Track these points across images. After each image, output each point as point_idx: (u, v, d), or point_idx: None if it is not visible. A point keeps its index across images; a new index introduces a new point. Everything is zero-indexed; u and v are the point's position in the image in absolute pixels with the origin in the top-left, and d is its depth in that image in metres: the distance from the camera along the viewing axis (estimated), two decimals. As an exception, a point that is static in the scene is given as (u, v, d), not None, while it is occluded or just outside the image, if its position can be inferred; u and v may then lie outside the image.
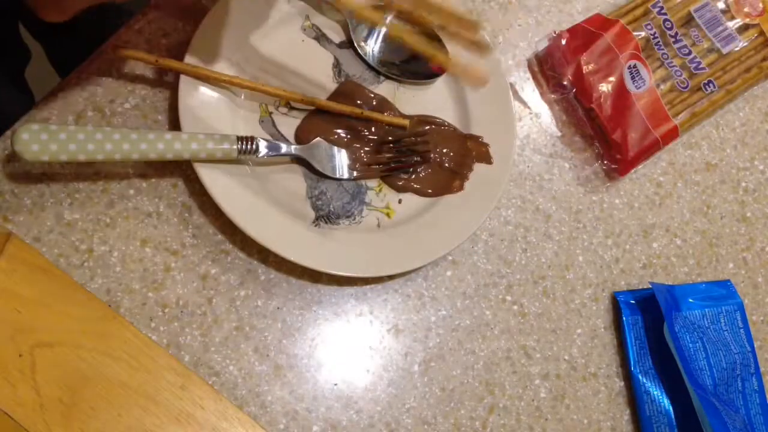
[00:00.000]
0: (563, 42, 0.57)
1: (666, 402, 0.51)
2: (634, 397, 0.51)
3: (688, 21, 0.60)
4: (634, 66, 0.56)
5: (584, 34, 0.57)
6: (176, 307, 0.46)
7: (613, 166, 0.57)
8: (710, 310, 0.54)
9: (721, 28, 0.60)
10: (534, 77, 0.59)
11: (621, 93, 0.56)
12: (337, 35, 0.54)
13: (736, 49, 0.60)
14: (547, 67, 0.59)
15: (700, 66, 0.58)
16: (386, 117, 0.52)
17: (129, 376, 0.43)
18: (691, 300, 0.53)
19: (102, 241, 0.46)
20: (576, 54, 0.56)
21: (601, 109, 0.55)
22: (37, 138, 0.41)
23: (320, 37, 0.54)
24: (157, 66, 0.47)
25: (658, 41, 0.58)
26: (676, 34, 0.59)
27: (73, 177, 0.46)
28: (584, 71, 0.56)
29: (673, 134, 0.57)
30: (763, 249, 0.59)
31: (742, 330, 0.54)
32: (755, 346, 0.54)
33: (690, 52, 0.59)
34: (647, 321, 0.53)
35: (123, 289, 0.45)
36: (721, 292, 0.55)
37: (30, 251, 0.44)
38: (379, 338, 0.49)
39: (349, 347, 0.48)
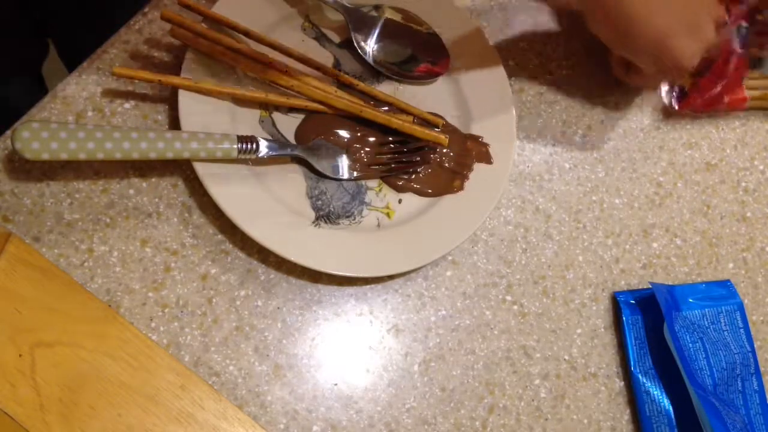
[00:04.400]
0: None
1: (666, 402, 0.51)
2: (634, 397, 0.51)
3: None
4: (745, 27, 0.57)
5: None
6: (176, 307, 0.46)
7: (674, 102, 0.59)
8: (710, 310, 0.54)
9: None
10: None
11: (724, 46, 0.57)
12: (337, 35, 0.54)
13: None
14: None
15: None
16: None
17: (129, 376, 0.43)
18: (691, 300, 0.53)
19: (102, 241, 0.46)
20: None
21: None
22: (38, 136, 0.41)
23: (320, 37, 0.54)
24: (160, 84, 0.47)
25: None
26: None
27: (73, 177, 0.46)
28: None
29: (739, 103, 0.58)
30: (763, 249, 0.59)
31: (742, 330, 0.54)
32: (755, 346, 0.54)
33: None
34: (647, 321, 0.53)
35: (123, 289, 0.45)
36: (721, 292, 0.55)
37: (30, 251, 0.44)
38: (379, 338, 0.49)
39: (349, 347, 0.48)
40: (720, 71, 0.57)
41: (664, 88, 0.61)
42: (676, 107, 0.60)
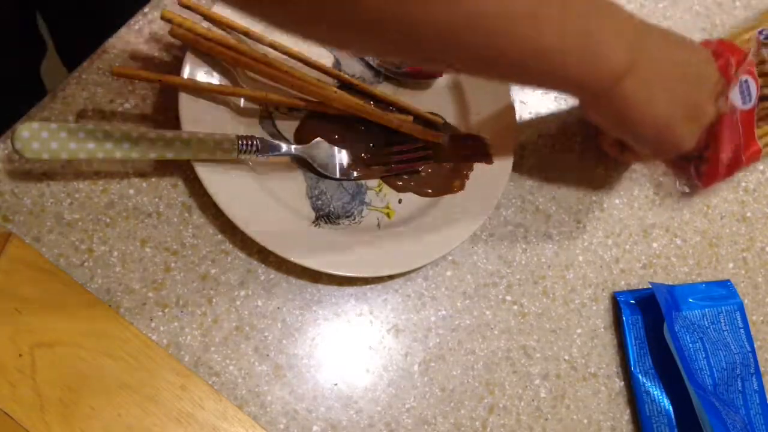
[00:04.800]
0: None
1: (666, 402, 0.51)
2: (634, 397, 0.51)
3: None
4: (746, 82, 0.55)
5: None
6: (176, 307, 0.46)
7: (695, 181, 0.56)
8: (710, 310, 0.54)
9: None
10: None
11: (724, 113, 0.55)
12: (337, 35, 0.54)
13: None
14: None
15: None
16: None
17: (129, 376, 0.43)
18: (691, 300, 0.53)
19: (102, 241, 0.46)
20: None
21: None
22: (38, 136, 0.41)
23: (320, 37, 0.54)
24: (160, 84, 0.47)
25: None
26: None
27: (73, 177, 0.46)
28: None
29: (755, 156, 0.56)
30: (763, 249, 0.59)
31: (742, 330, 0.54)
32: (755, 346, 0.54)
33: None
34: (647, 321, 0.53)
35: (123, 289, 0.45)
36: (721, 292, 0.55)
37: (30, 251, 0.44)
38: (379, 338, 0.49)
39: (349, 347, 0.48)
40: (729, 136, 0.55)
41: (679, 179, 0.58)
42: (701, 186, 0.57)
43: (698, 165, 0.56)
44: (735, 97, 0.55)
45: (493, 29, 0.34)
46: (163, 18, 0.46)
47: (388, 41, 0.34)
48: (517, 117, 0.56)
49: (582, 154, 0.58)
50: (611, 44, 0.39)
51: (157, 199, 0.47)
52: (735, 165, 0.56)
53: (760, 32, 0.57)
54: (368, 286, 0.49)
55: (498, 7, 0.34)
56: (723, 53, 0.54)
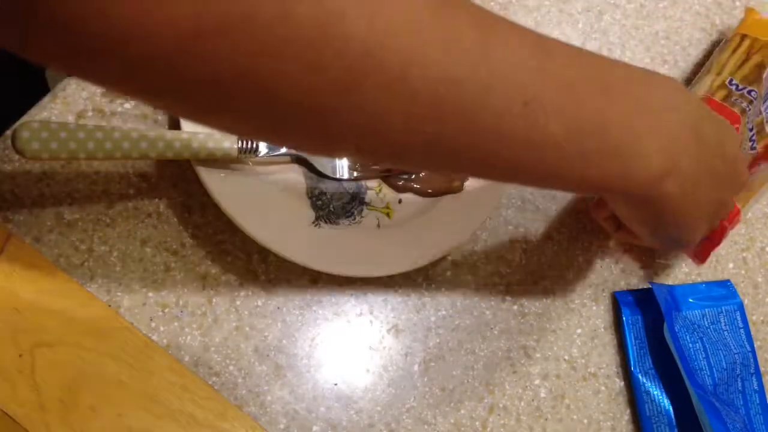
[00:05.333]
0: None
1: (666, 402, 0.51)
2: (634, 397, 0.51)
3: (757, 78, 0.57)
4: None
5: None
6: (176, 307, 0.46)
7: (690, 258, 0.54)
8: (710, 310, 0.54)
9: None
10: None
11: None
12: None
13: None
14: None
15: (754, 144, 0.55)
16: None
17: (129, 376, 0.43)
18: (691, 300, 0.53)
19: (102, 241, 0.46)
20: None
21: None
22: (38, 136, 0.41)
23: (320, 37, 0.54)
24: None
25: (749, 119, 0.54)
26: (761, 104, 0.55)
27: (73, 177, 0.46)
28: None
29: (736, 215, 0.51)
30: (763, 249, 0.59)
31: (742, 330, 0.54)
32: (755, 346, 0.54)
33: (753, 127, 0.55)
34: (647, 321, 0.53)
35: (123, 289, 0.45)
36: (721, 292, 0.55)
37: (30, 251, 0.44)
38: (379, 338, 0.49)
39: (349, 347, 0.48)
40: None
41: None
42: (701, 262, 0.53)
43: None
44: None
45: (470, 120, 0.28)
46: None
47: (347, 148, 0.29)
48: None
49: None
50: (643, 141, 0.33)
51: (157, 199, 0.47)
52: (721, 234, 0.51)
53: (730, 82, 0.56)
54: (368, 286, 0.49)
55: (478, 95, 0.27)
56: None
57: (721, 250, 0.58)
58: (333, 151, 0.35)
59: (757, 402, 0.52)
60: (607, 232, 0.51)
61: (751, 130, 0.55)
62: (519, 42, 0.29)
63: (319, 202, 0.49)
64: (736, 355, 0.52)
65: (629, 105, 0.33)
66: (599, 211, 0.50)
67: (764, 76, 0.56)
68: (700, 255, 0.53)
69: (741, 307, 0.54)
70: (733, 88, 0.55)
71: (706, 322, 0.53)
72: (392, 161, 0.35)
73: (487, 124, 0.28)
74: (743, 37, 0.58)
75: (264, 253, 0.48)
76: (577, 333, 0.53)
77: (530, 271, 0.53)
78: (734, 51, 0.58)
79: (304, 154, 0.49)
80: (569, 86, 0.31)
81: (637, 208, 0.38)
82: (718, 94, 0.55)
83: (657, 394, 0.51)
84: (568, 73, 0.31)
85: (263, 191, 0.47)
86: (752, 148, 0.54)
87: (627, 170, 0.33)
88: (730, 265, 0.58)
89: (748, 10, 0.61)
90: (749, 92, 0.55)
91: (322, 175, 0.50)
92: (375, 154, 0.31)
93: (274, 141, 0.38)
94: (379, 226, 0.50)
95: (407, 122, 0.27)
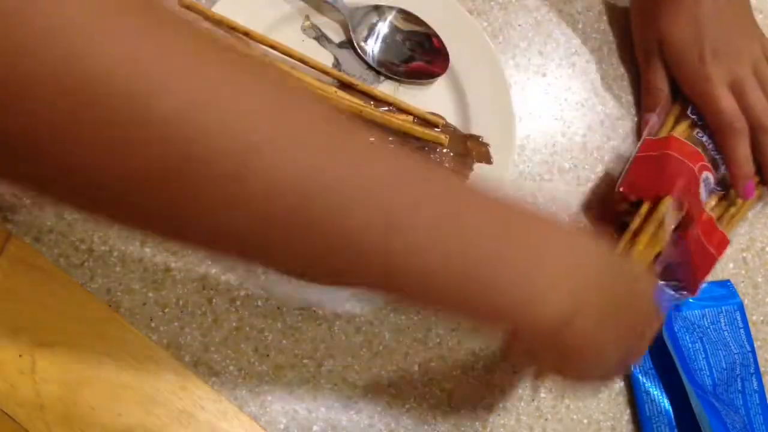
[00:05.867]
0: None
1: (666, 402, 0.51)
2: (634, 397, 0.51)
3: None
4: (706, 179, 0.52)
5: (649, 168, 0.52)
6: (176, 307, 0.46)
7: (682, 290, 0.53)
8: (710, 310, 0.54)
9: None
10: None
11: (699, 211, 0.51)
12: (337, 35, 0.54)
13: None
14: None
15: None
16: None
17: (129, 376, 0.43)
18: (690, 300, 0.53)
19: (102, 241, 0.46)
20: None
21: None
22: (37, 138, 0.41)
23: (320, 37, 0.54)
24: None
25: (715, 149, 0.54)
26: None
27: (73, 177, 0.46)
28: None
29: (723, 243, 0.52)
30: (763, 249, 0.59)
31: (742, 330, 0.54)
32: (755, 346, 0.54)
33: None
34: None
35: (123, 289, 0.45)
36: (721, 291, 0.54)
37: (30, 251, 0.44)
38: (379, 338, 0.49)
39: (349, 347, 0.48)
40: (697, 249, 0.51)
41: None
42: (693, 294, 0.52)
43: (678, 287, 0.53)
44: (703, 195, 0.52)
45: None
46: None
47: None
48: (517, 117, 0.56)
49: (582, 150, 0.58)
50: (543, 281, 0.30)
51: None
52: (710, 264, 0.52)
53: (692, 111, 0.55)
54: (368, 286, 0.49)
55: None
56: (681, 169, 0.51)
57: (721, 250, 0.58)
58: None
59: (757, 402, 0.52)
60: (514, 358, 0.49)
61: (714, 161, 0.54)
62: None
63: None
64: (735, 355, 0.52)
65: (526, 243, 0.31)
66: (513, 351, 0.43)
67: None
68: (692, 287, 0.52)
69: (741, 307, 0.54)
70: (695, 117, 0.55)
71: (705, 322, 0.53)
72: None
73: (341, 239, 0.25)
74: None
75: (264, 253, 0.48)
76: (577, 333, 0.53)
77: (530, 271, 0.53)
78: None
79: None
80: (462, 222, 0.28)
81: (548, 350, 0.34)
82: (679, 128, 0.55)
83: (657, 394, 0.51)
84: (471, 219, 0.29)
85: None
86: (716, 183, 0.54)
87: (523, 309, 0.30)
88: (730, 265, 0.58)
89: None
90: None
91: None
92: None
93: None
94: (379, 226, 0.50)
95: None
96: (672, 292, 0.53)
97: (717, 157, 0.54)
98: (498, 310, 0.30)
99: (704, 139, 0.54)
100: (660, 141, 0.54)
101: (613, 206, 0.53)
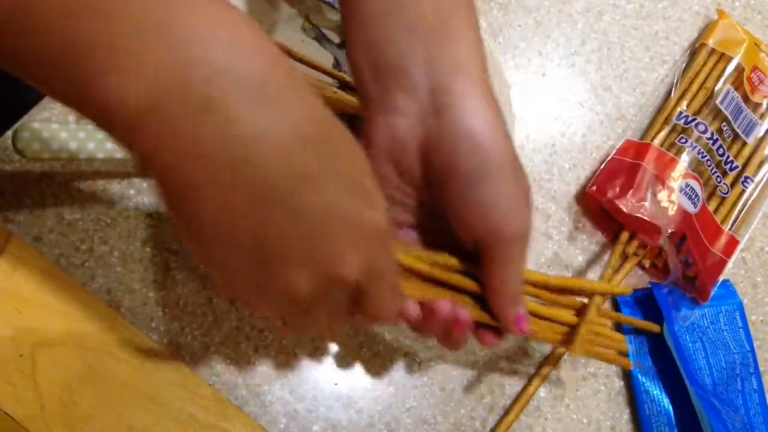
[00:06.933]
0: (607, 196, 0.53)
1: (666, 402, 0.51)
2: (634, 397, 0.52)
3: (716, 115, 0.57)
4: (688, 185, 0.53)
5: (619, 174, 0.53)
6: (176, 307, 0.46)
7: (691, 296, 0.54)
8: (710, 309, 0.54)
9: (743, 115, 0.57)
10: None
11: (685, 219, 0.52)
12: (337, 35, 0.54)
13: (759, 135, 0.57)
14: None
15: (734, 164, 0.55)
16: None
17: (129, 376, 0.43)
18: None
19: (102, 241, 0.46)
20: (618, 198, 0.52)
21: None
22: (38, 136, 0.41)
23: (320, 38, 0.54)
24: None
25: (702, 152, 0.55)
26: (713, 134, 0.55)
27: (74, 177, 0.46)
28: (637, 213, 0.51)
29: (732, 245, 0.53)
30: (763, 249, 0.59)
31: (741, 330, 0.54)
32: (755, 345, 0.54)
33: (724, 152, 0.55)
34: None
35: (123, 289, 0.45)
36: (721, 291, 0.55)
37: (30, 251, 0.44)
38: (379, 338, 0.49)
39: (349, 347, 0.48)
40: (698, 247, 0.52)
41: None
42: (704, 300, 0.53)
43: (687, 287, 0.54)
44: (686, 205, 0.52)
45: None
46: None
47: None
48: (517, 117, 0.56)
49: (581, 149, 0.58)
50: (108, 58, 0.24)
51: (157, 199, 0.47)
52: (720, 268, 0.53)
53: (679, 116, 0.56)
54: (368, 286, 0.49)
55: None
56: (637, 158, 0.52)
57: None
58: None
59: (757, 402, 0.52)
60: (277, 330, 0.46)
61: (714, 164, 0.55)
62: None
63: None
64: (735, 355, 0.53)
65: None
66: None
67: (717, 101, 0.57)
68: (702, 293, 0.53)
69: (740, 307, 0.54)
70: (682, 122, 0.55)
71: (705, 322, 0.53)
72: None
73: None
74: (711, 50, 0.59)
75: (264, 253, 0.48)
76: (577, 333, 0.53)
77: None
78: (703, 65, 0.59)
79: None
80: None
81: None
82: (660, 135, 0.56)
83: (657, 393, 0.51)
84: None
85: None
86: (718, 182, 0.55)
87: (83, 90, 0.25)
88: (730, 265, 0.58)
89: (720, 12, 0.61)
90: (696, 125, 0.55)
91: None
92: None
93: None
94: (379, 226, 0.50)
95: None
96: (685, 299, 0.53)
97: (704, 159, 0.55)
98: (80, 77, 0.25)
99: (687, 144, 0.55)
100: (638, 146, 0.55)
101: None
